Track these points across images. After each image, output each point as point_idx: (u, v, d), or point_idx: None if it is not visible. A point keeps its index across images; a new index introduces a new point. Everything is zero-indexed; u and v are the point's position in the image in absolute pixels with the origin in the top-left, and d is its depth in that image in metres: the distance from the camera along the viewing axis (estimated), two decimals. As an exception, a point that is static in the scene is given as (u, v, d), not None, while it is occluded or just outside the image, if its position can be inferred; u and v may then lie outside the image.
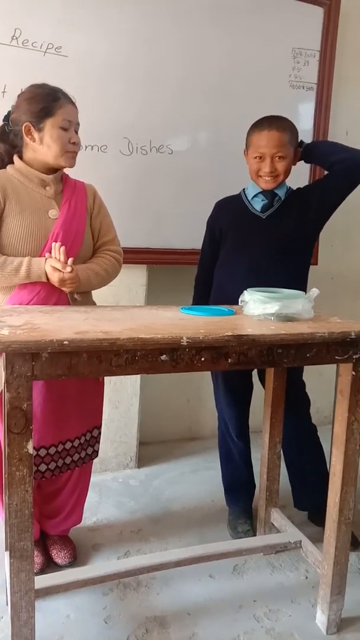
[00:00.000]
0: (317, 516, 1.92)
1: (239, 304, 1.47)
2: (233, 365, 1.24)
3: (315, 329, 1.30)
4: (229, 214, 1.90)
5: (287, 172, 1.79)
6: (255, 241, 1.81)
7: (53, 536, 1.76)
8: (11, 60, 1.92)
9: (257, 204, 1.84)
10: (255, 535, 1.89)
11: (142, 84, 2.15)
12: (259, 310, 1.40)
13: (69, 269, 1.45)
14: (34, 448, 1.48)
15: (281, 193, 1.83)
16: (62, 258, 1.46)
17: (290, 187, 1.87)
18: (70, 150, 1.55)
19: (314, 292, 1.44)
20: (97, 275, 1.59)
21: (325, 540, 1.48)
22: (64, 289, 1.50)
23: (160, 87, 2.18)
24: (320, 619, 1.50)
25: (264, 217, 1.82)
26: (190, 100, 2.26)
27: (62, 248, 1.47)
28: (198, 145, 2.33)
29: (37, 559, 1.66)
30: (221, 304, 1.66)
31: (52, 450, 1.57)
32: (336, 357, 1.33)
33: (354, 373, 1.35)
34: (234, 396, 1.93)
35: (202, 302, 1.92)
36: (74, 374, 1.14)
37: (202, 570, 1.68)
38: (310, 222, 1.83)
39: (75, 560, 1.72)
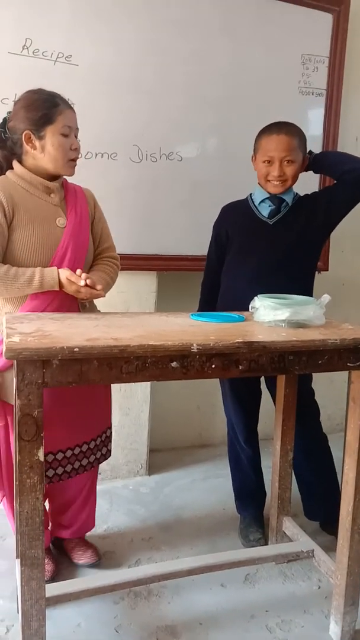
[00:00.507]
0: (329, 525, 1.90)
1: (250, 310, 1.47)
2: (244, 372, 1.24)
3: (326, 335, 1.29)
4: (235, 218, 1.90)
5: (295, 178, 1.79)
6: (261, 247, 1.81)
7: (73, 539, 1.78)
8: (22, 70, 1.94)
9: (264, 210, 1.83)
10: (266, 543, 1.87)
11: (151, 91, 2.16)
12: (270, 316, 1.39)
13: (83, 282, 1.45)
14: (52, 452, 1.51)
15: (288, 199, 1.82)
16: (89, 284, 1.45)
17: (297, 194, 1.86)
18: (72, 157, 1.54)
19: (325, 298, 1.43)
20: (107, 285, 1.61)
21: (338, 550, 1.46)
22: (77, 296, 1.50)
23: (170, 94, 2.19)
24: (334, 630, 1.47)
25: (271, 223, 1.82)
26: (200, 107, 2.26)
27: (90, 280, 1.45)
28: (207, 152, 2.34)
29: (48, 566, 1.66)
30: (227, 309, 1.66)
31: (69, 453, 1.57)
32: (348, 364, 1.32)
33: (366, 380, 1.34)
34: (241, 403, 1.92)
35: (208, 307, 1.91)
36: (85, 381, 1.14)
37: (214, 579, 1.66)
38: (317, 228, 1.83)
39: (101, 559, 1.73)
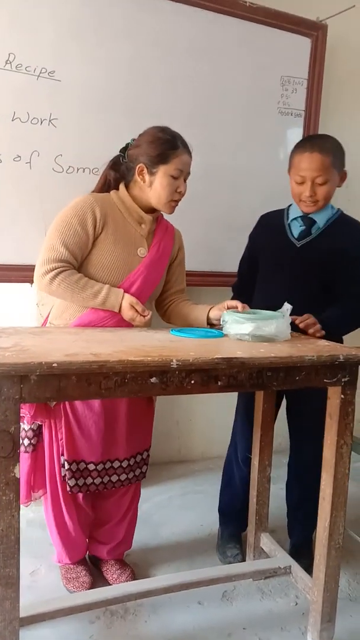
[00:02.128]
0: (298, 549, 1.86)
1: (221, 323, 1.48)
2: (223, 389, 1.24)
3: (304, 352, 1.31)
4: (268, 232, 1.86)
5: (328, 198, 1.71)
6: (285, 268, 1.77)
7: (110, 560, 1.76)
8: (4, 84, 1.95)
9: (295, 229, 1.78)
10: (244, 559, 1.87)
11: (133, 110, 2.18)
12: (235, 330, 1.42)
13: (148, 315, 1.53)
14: (84, 461, 1.55)
15: (321, 220, 1.75)
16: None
17: (338, 211, 1.79)
18: (175, 199, 1.60)
19: (286, 307, 1.46)
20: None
21: (315, 566, 1.46)
22: (132, 323, 1.55)
23: (153, 113, 2.20)
24: (311, 647, 1.47)
25: (298, 246, 1.76)
26: (183, 126, 2.25)
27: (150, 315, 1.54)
28: (191, 171, 2.36)
29: (86, 578, 1.69)
30: None
31: (100, 466, 1.59)
32: (325, 381, 1.34)
33: (342, 396, 1.36)
34: (250, 421, 1.82)
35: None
36: (63, 396, 1.13)
37: (191, 596, 1.64)
38: (339, 262, 1.74)
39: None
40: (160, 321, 1.80)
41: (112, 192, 1.63)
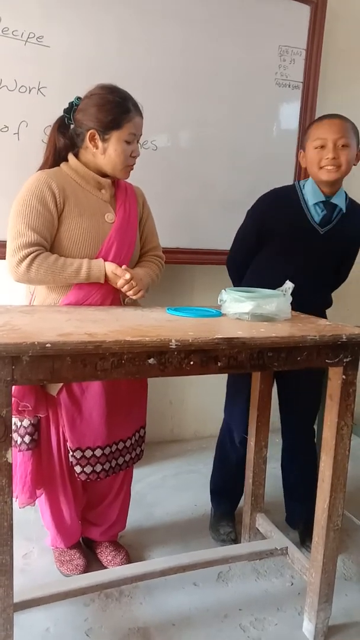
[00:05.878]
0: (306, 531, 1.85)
1: (218, 302, 1.44)
2: (222, 370, 1.20)
3: (305, 332, 1.26)
4: (285, 217, 1.74)
5: (349, 165, 1.64)
6: (306, 253, 1.72)
7: (104, 542, 1.74)
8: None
9: (316, 215, 1.70)
10: (237, 537, 1.86)
11: (126, 80, 2.05)
12: (234, 309, 1.38)
13: (128, 275, 1.48)
14: (90, 448, 1.50)
15: (341, 203, 1.70)
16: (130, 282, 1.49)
17: (346, 195, 1.75)
18: (130, 164, 1.53)
19: (287, 285, 1.42)
20: (152, 282, 1.63)
21: (313, 548, 1.45)
22: (126, 292, 1.51)
23: (145, 84, 2.12)
24: (308, 627, 1.47)
25: (321, 232, 1.71)
26: (175, 97, 2.21)
27: (132, 278, 1.49)
28: (184, 144, 2.29)
29: (80, 561, 1.67)
30: None
31: (107, 450, 1.55)
32: (327, 361, 1.30)
33: (344, 377, 1.32)
34: (248, 404, 1.80)
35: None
36: (57, 378, 1.08)
37: (186, 578, 1.63)
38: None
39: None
40: (154, 298, 1.75)
41: (62, 165, 1.54)
